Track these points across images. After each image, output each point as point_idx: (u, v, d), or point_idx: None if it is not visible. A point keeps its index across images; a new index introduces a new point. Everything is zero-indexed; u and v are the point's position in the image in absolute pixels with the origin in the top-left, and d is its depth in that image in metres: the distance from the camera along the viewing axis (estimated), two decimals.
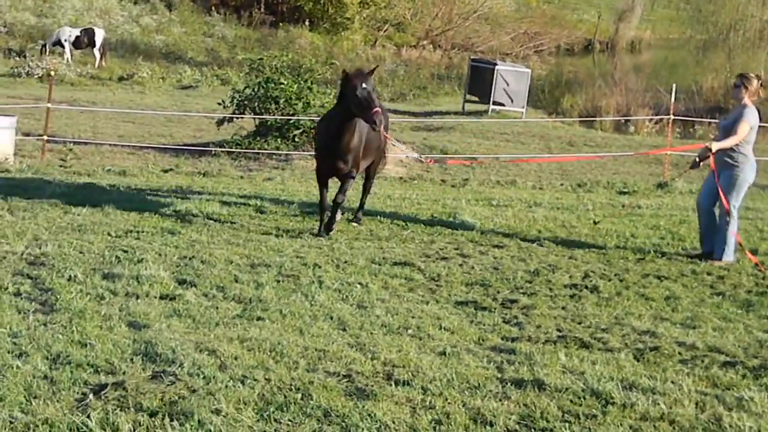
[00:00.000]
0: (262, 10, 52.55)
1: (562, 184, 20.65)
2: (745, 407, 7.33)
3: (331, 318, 9.37)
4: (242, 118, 24.24)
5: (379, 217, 15.08)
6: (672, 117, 25.83)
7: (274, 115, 23.33)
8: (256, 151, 22.73)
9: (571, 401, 7.38)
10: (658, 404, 7.29)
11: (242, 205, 15.38)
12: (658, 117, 32.72)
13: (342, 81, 13.08)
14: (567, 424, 6.92)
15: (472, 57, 42.97)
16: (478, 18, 56.69)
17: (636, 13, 65.73)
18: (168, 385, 7.07)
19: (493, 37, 55.37)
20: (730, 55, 43.40)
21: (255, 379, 7.38)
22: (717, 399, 7.51)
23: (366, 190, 14.97)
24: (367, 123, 12.80)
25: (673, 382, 7.84)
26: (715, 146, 12.66)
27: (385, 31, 53.23)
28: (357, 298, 10.21)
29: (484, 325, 9.53)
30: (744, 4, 43.32)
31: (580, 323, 9.74)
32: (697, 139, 32.03)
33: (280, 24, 51.41)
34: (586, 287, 11.22)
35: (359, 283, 10.85)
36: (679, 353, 8.72)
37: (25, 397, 6.85)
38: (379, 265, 11.84)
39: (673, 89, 26.19)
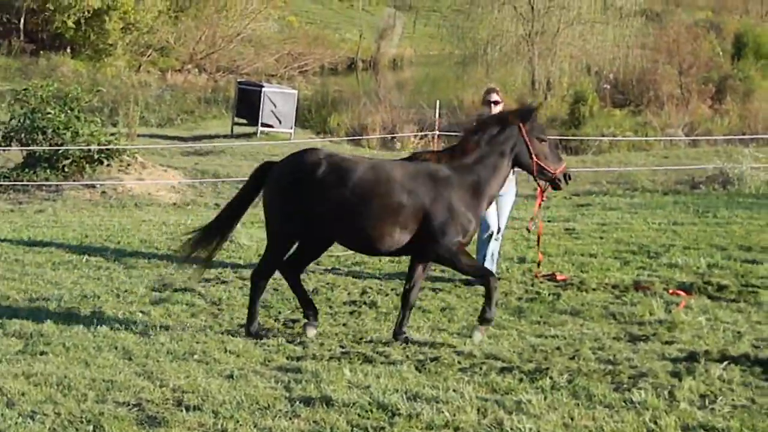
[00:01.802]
0: (22, 38, 51.17)
1: None
2: (524, 410, 7.68)
3: (116, 348, 9.34)
4: (8, 150, 23.66)
5: (155, 244, 15.02)
6: (437, 132, 26.53)
7: (41, 145, 22.87)
8: (25, 183, 22.23)
9: (359, 415, 7.59)
10: (442, 412, 7.57)
11: (14, 240, 15.05)
12: (423, 133, 33.50)
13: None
14: None
15: (238, 80, 43.02)
16: (242, 40, 56.69)
17: (396, 31, 67.07)
18: None
19: (258, 59, 55.45)
20: (489, 70, 44.79)
21: (45, 414, 7.32)
22: (497, 404, 7.84)
23: None
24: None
25: (454, 391, 8.14)
26: None
27: (148, 56, 52.64)
28: (140, 326, 10.19)
29: (268, 346, 9.66)
30: (500, 21, 44.77)
31: (361, 339, 9.98)
32: None
33: (41, 52, 50.22)
34: (365, 303, 11.50)
35: (141, 312, 10.83)
36: (459, 362, 9.06)
37: None
38: (160, 292, 11.84)
39: (437, 105, 26.89)
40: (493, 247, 12.85)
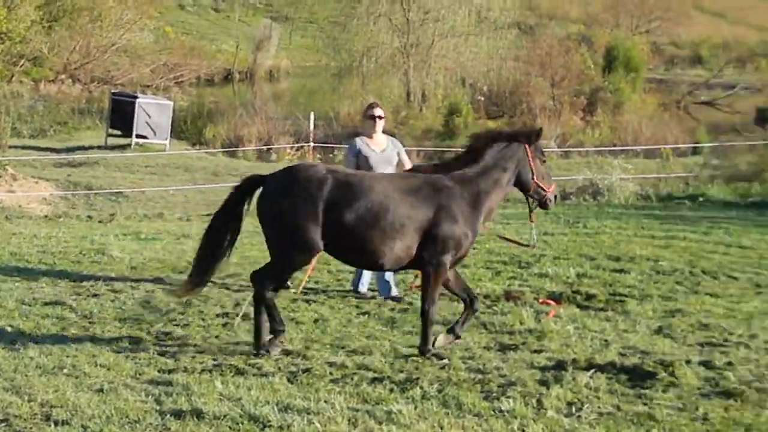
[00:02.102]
0: None
1: (209, 215, 20.75)
2: (394, 420, 7.75)
3: None
4: None
5: (26, 257, 14.78)
6: (312, 144, 26.61)
7: None
8: None
9: (230, 427, 7.60)
10: (313, 423, 7.60)
11: None
12: (299, 144, 33.54)
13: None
14: None
15: (112, 90, 42.54)
16: (117, 51, 56.09)
17: (273, 42, 66.98)
18: None
19: (133, 70, 54.91)
20: (364, 81, 45.05)
21: None
22: (368, 414, 7.90)
23: None
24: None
25: (326, 401, 8.18)
26: None
27: (21, 66, 51.71)
28: (9, 340, 10.03)
29: (139, 359, 9.58)
30: (376, 33, 45.07)
31: (234, 351, 9.95)
32: (337, 164, 33.04)
33: None
34: (238, 315, 11.45)
35: (10, 326, 10.65)
36: (331, 373, 9.09)
37: None
38: (30, 306, 11.66)
39: (312, 117, 26.96)
40: None
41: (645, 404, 8.25)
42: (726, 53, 68.97)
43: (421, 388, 8.57)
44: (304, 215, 9.57)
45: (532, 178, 10.25)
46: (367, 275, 12.76)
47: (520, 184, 10.32)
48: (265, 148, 35.53)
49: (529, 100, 41.68)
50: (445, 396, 8.36)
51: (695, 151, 33.47)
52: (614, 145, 34.77)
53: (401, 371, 9.17)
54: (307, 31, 71.75)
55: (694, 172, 26.05)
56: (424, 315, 9.84)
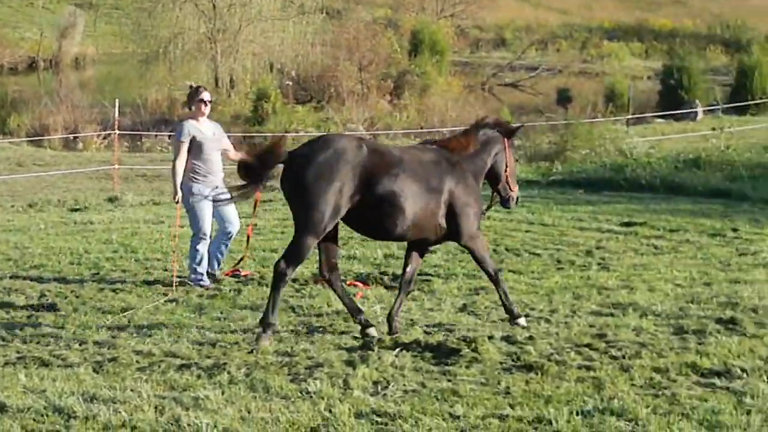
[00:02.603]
0: None
1: (12, 206, 20.30)
2: (201, 406, 7.75)
3: None
4: None
5: None
6: (117, 132, 26.19)
7: None
8: None
9: (34, 420, 7.48)
10: (119, 412, 7.54)
11: None
12: (106, 132, 32.94)
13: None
14: None
15: None
16: None
17: (78, 30, 65.48)
18: None
19: None
20: (171, 68, 44.53)
21: None
22: (175, 401, 7.87)
23: None
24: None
25: (132, 390, 8.12)
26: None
27: None
28: None
29: None
30: (182, 19, 44.55)
31: (39, 343, 9.79)
32: (145, 152, 32.66)
33: None
34: (43, 306, 11.26)
35: None
36: (137, 361, 9.04)
37: None
38: None
39: (117, 104, 26.53)
40: (221, 246, 12.85)
41: (449, 380, 8.44)
42: (529, 36, 70.64)
43: (229, 373, 8.59)
44: (340, 184, 9.43)
45: (505, 171, 10.55)
46: (205, 264, 12.62)
47: (493, 175, 10.57)
48: (71, 136, 34.76)
49: (337, 84, 41.84)
50: (253, 380, 8.40)
51: None
52: (421, 128, 35.25)
53: (209, 357, 9.16)
54: (113, 18, 70.38)
55: None
56: (496, 283, 10.26)
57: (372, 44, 45.58)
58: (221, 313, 10.99)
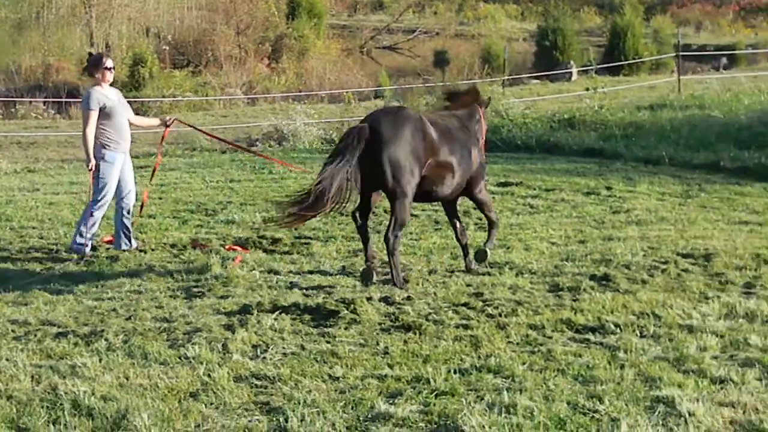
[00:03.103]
0: None
1: None
2: (78, 373, 7.67)
3: None
4: None
5: None
6: None
7: None
8: None
9: None
10: None
11: None
12: None
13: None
14: None
15: None
16: None
17: None
18: None
19: None
20: (45, 33, 43.65)
21: None
22: (52, 369, 7.78)
23: None
24: None
25: (8, 360, 8.01)
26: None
27: None
28: None
29: None
30: None
31: None
32: (20, 119, 32.00)
33: None
34: None
35: None
36: (13, 330, 8.91)
37: None
38: None
39: None
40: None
41: (328, 342, 8.48)
42: None
43: (106, 340, 8.51)
44: (421, 153, 10.21)
45: (482, 138, 11.31)
46: (94, 232, 12.45)
47: None
48: None
49: (215, 48, 41.49)
50: (131, 346, 8.34)
51: (377, 95, 34.24)
52: (300, 91, 35.17)
53: (86, 325, 9.06)
54: None
55: None
56: (492, 228, 11.39)
57: (249, 8, 45.26)
58: (98, 280, 10.87)
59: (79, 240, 12.26)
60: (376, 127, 10.07)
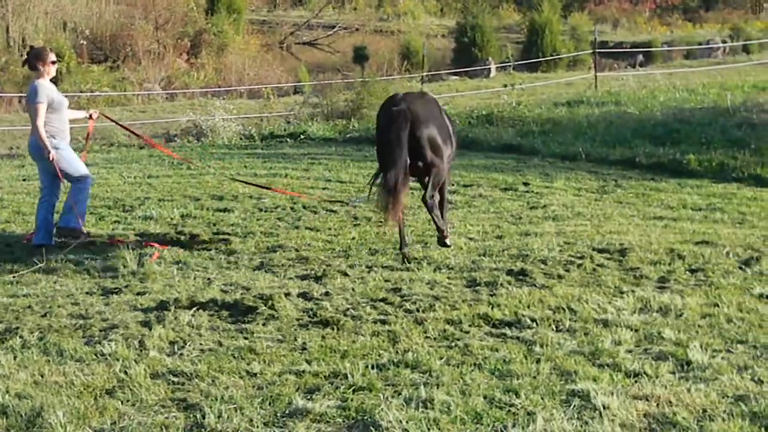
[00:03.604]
0: None
1: None
2: None
3: None
4: None
5: None
6: None
7: None
8: None
9: None
10: None
11: None
12: None
13: None
14: None
15: None
16: None
17: None
18: None
19: None
20: None
21: None
22: None
23: None
24: None
25: None
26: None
27: None
28: None
29: None
30: None
31: None
32: None
33: None
34: None
35: None
36: None
37: None
38: None
39: None
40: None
41: (246, 338, 8.47)
42: None
43: (21, 337, 8.42)
44: (446, 127, 11.59)
45: None
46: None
47: None
48: None
49: (133, 43, 41.04)
50: (46, 344, 8.26)
51: (296, 90, 34.18)
52: (219, 87, 34.99)
53: (0, 322, 8.96)
54: None
55: (295, 111, 26.63)
56: (441, 208, 11.66)
57: (168, 3, 44.84)
58: (13, 276, 10.74)
59: (79, 221, 12.28)
60: (414, 109, 11.03)
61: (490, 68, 40.52)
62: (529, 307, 9.33)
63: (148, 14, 43.73)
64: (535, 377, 7.46)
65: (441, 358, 7.90)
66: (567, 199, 15.11)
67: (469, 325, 8.83)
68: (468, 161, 18.84)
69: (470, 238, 12.47)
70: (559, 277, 10.45)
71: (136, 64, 38.54)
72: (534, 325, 8.79)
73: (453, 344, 8.31)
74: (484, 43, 44.28)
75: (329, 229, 13.14)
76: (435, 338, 8.50)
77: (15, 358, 7.93)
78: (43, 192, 12.51)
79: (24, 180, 17.23)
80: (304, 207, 14.49)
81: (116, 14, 45.23)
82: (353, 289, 10.03)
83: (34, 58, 12.45)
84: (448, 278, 10.46)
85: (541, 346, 8.17)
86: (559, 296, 9.66)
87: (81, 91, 32.72)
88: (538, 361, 7.82)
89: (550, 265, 10.88)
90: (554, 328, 8.71)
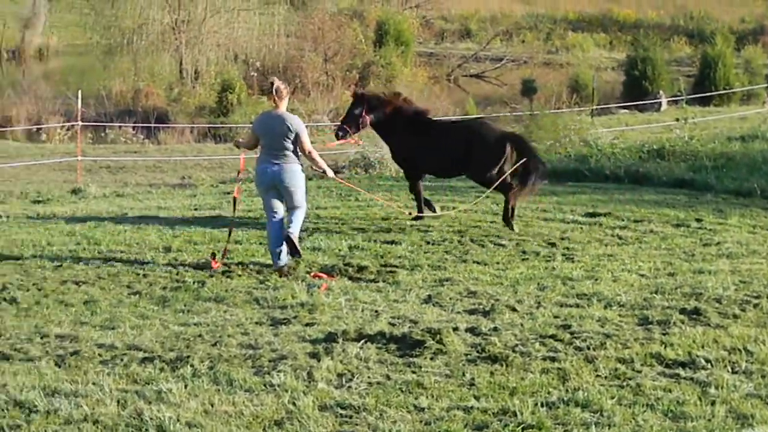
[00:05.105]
0: None
1: None
2: (164, 399, 7.71)
3: None
4: None
5: None
6: (81, 123, 26.03)
7: None
8: None
9: None
10: (81, 406, 7.49)
11: None
12: (69, 124, 32.76)
13: None
14: None
15: None
16: None
17: (40, 20, 65.02)
18: None
19: None
20: (136, 59, 44.29)
21: None
22: (137, 394, 7.83)
23: None
24: None
25: (94, 384, 8.07)
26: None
27: None
28: None
29: None
30: (146, 9, 44.32)
31: (0, 336, 9.69)
32: (109, 143, 32.43)
33: None
34: (5, 299, 11.16)
35: None
36: (99, 354, 8.96)
37: None
38: None
39: (79, 95, 26.37)
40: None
41: (414, 372, 8.43)
42: (494, 27, 70.62)
43: (192, 366, 8.53)
44: None
45: None
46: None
47: None
48: (34, 128, 34.57)
49: (303, 75, 41.72)
50: (216, 373, 8.36)
51: None
52: None
53: (172, 350, 9.10)
54: (74, 8, 69.91)
55: None
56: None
57: (337, 35, 45.51)
58: (185, 305, 10.92)
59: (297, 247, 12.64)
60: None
61: (660, 102, 39.92)
62: (703, 347, 9.07)
63: (318, 46, 44.40)
64: (710, 420, 7.24)
65: (612, 398, 7.73)
66: (742, 237, 14.70)
67: (642, 365, 8.63)
68: (638, 196, 18.52)
69: (641, 275, 12.21)
70: (734, 316, 10.14)
71: (306, 96, 39.10)
72: (709, 366, 8.55)
73: (624, 384, 8.13)
74: (654, 77, 43.65)
75: (497, 263, 13.03)
76: (606, 377, 8.32)
77: (186, 386, 8.02)
78: (275, 217, 12.78)
79: (195, 209, 17.54)
80: (471, 240, 14.40)
81: (286, 46, 46.07)
82: (522, 325, 9.90)
83: (282, 90, 12.81)
84: (619, 316, 10.24)
85: (717, 388, 7.93)
86: (735, 337, 9.37)
87: (251, 122, 33.30)
88: (713, 403, 7.59)
89: (725, 304, 10.57)
90: (730, 370, 8.45)
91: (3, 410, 7.48)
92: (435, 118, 17.31)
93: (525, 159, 15.06)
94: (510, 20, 73.33)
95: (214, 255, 13.00)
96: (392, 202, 15.68)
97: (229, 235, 13.35)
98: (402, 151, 16.16)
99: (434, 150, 15.56)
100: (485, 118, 18.61)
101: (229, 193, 18.08)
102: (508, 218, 15.17)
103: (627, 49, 59.70)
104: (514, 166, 15.08)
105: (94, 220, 16.45)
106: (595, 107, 35.28)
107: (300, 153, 12.80)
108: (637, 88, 43.49)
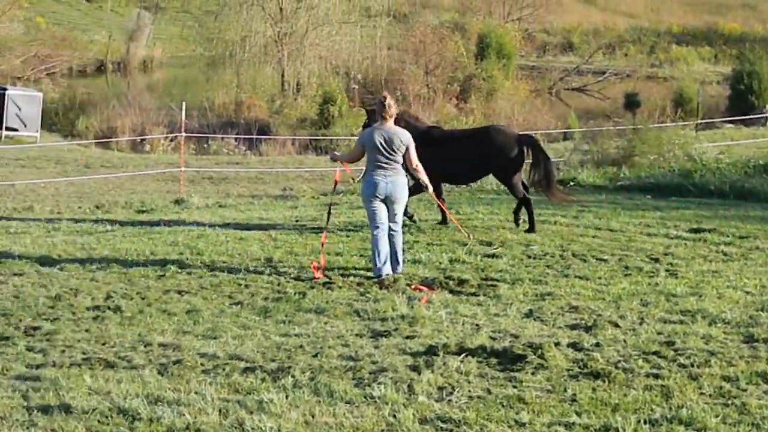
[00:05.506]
0: None
1: (80, 207, 20.50)
2: (265, 409, 7.74)
3: None
4: None
5: None
6: (184, 134, 26.38)
7: None
8: None
9: (99, 421, 7.51)
10: (184, 415, 7.56)
11: None
12: (173, 135, 33.24)
13: None
14: None
15: None
16: None
17: (145, 33, 66.15)
18: None
19: (2, 61, 53.76)
20: (238, 71, 44.80)
21: None
22: (239, 404, 7.88)
23: None
24: None
25: (196, 393, 8.14)
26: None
27: None
28: None
29: (7, 355, 9.41)
30: (249, 22, 44.83)
31: (104, 344, 9.84)
32: (212, 154, 32.83)
33: None
34: (109, 308, 11.31)
35: None
36: (202, 364, 9.04)
37: None
38: None
39: (183, 107, 26.73)
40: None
41: (515, 387, 8.36)
42: (596, 40, 70.27)
43: (293, 376, 8.56)
44: None
45: None
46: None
47: None
48: (138, 138, 35.16)
49: (404, 87, 41.86)
50: (317, 384, 8.38)
51: (566, 137, 33.98)
52: None
53: (273, 360, 9.14)
54: (180, 21, 71.06)
55: (565, 157, 26.43)
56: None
57: (438, 48, 45.59)
58: (286, 316, 10.97)
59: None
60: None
61: (767, 116, 39.23)
62: None
63: (419, 59, 44.51)
64: None
65: (717, 416, 7.58)
66: None
67: (747, 383, 8.46)
68: (744, 212, 18.20)
69: (747, 292, 11.98)
70: None
71: (407, 108, 39.14)
72: None
73: (729, 402, 7.98)
74: (761, 91, 42.96)
75: (599, 278, 12.88)
76: (710, 395, 8.17)
77: (287, 397, 8.05)
78: (381, 228, 12.92)
79: (297, 221, 17.65)
80: (573, 255, 14.26)
81: (388, 59, 46.24)
82: (625, 341, 9.77)
83: (393, 107, 13.03)
84: (724, 333, 10.05)
85: None
86: None
87: (352, 135, 33.48)
88: None
89: None
90: None
91: (107, 417, 7.57)
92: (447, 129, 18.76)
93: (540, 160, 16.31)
94: (613, 33, 72.88)
95: (317, 266, 13.10)
96: (460, 223, 15.49)
97: (322, 245, 13.46)
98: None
99: (451, 159, 16.23)
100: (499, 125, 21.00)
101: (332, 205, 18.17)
102: (518, 213, 16.52)
103: (732, 62, 58.90)
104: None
105: (196, 231, 16.63)
106: (699, 121, 34.79)
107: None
108: (742, 103, 42.85)
